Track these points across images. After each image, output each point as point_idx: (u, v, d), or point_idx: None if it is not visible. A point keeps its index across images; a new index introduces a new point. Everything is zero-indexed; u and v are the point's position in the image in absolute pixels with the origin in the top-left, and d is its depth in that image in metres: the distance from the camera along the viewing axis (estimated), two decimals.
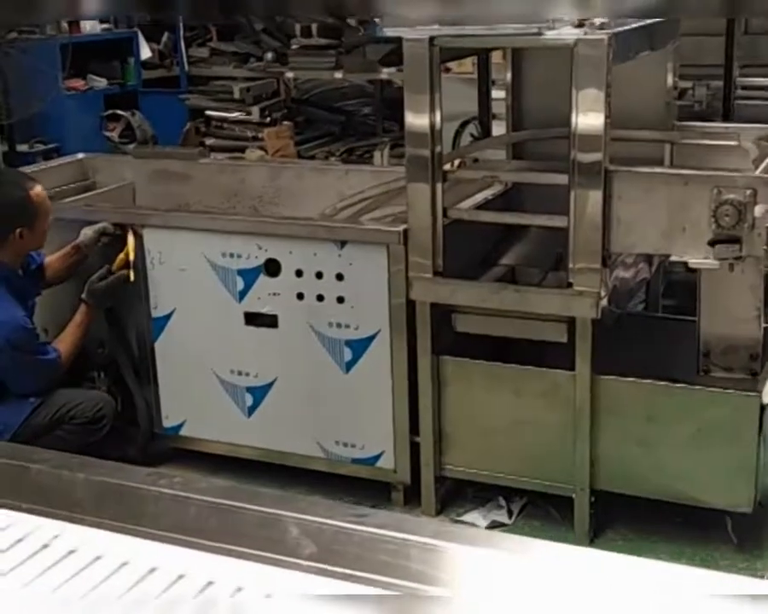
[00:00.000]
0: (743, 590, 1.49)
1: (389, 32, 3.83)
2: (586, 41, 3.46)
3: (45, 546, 1.81)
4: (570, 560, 1.65)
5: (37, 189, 4.10)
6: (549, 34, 3.55)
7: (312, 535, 1.77)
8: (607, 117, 3.47)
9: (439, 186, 3.75)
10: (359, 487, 4.10)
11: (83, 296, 4.24)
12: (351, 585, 1.65)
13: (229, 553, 1.75)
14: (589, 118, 3.49)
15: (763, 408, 3.61)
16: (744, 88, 5.60)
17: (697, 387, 3.70)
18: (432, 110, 3.69)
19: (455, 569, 1.69)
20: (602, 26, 3.54)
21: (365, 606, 1.57)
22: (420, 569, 1.66)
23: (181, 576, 1.71)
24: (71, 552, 1.79)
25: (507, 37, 3.66)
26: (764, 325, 3.82)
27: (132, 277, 4.21)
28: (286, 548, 1.75)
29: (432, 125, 3.71)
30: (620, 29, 3.57)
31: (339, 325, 4.01)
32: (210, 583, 1.69)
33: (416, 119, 3.73)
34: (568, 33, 3.54)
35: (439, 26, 3.69)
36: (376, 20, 4.38)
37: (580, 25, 3.62)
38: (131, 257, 4.20)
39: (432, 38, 3.64)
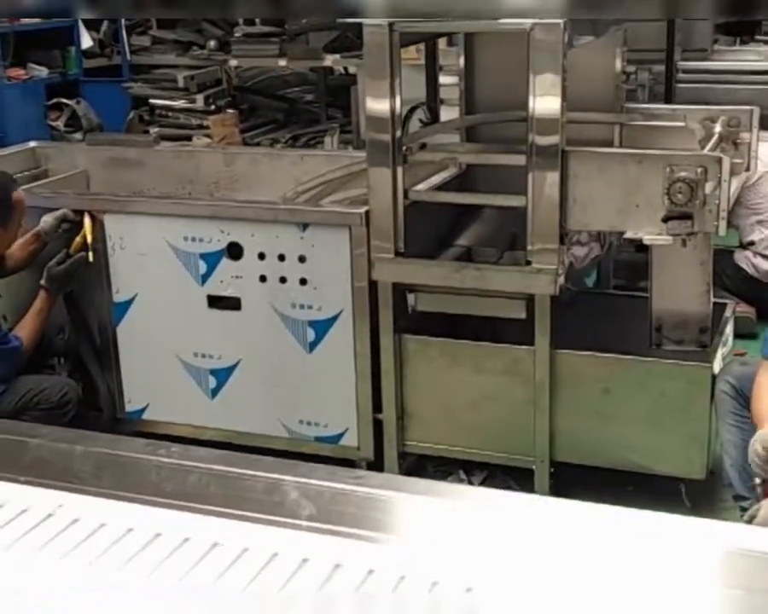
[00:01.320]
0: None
1: (349, 19, 3.90)
2: (542, 26, 3.56)
3: (50, 515, 1.85)
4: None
5: (19, 192, 4.13)
6: (506, 19, 3.64)
7: (311, 497, 1.84)
8: (563, 100, 3.58)
9: (399, 169, 3.83)
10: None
11: (42, 281, 4.24)
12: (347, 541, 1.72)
13: (232, 517, 1.82)
14: (546, 102, 3.59)
15: (713, 378, 3.75)
16: (685, 71, 5.76)
17: (652, 360, 3.84)
18: (392, 95, 3.77)
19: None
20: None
21: None
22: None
23: (186, 540, 1.77)
24: (75, 520, 1.83)
25: (465, 22, 3.75)
26: (712, 299, 3.98)
27: (91, 258, 4.22)
28: (286, 510, 1.82)
29: (392, 110, 3.78)
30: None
31: (302, 306, 4.08)
32: (216, 545, 1.75)
33: (377, 104, 3.80)
34: (524, 18, 3.63)
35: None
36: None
37: None
38: (89, 239, 4.22)
39: (391, 24, 3.71)
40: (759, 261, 5.47)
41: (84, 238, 4.25)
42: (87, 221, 4.23)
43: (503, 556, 1.64)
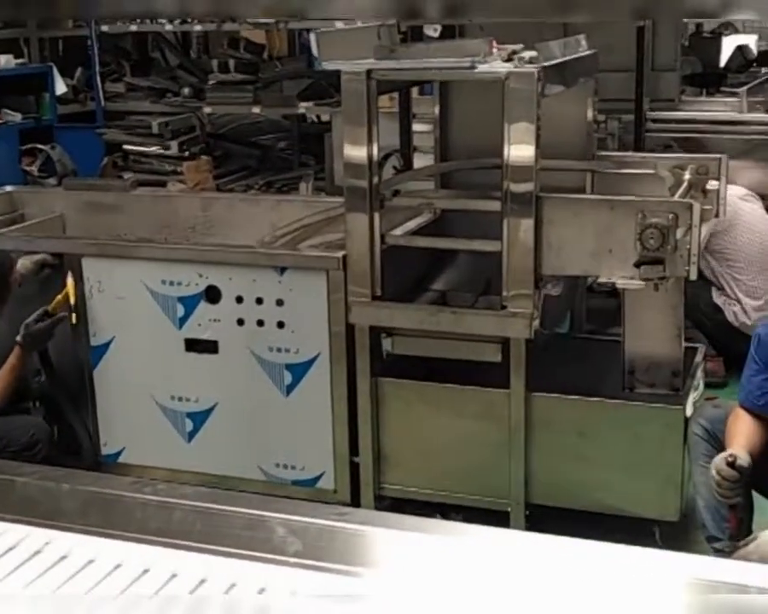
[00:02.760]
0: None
1: (327, 66, 3.96)
2: (517, 74, 3.64)
3: (37, 552, 1.87)
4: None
5: (16, 269, 4.17)
6: (482, 67, 3.72)
7: (297, 533, 1.86)
8: (537, 148, 3.66)
9: (376, 214, 3.89)
10: None
11: (18, 338, 4.19)
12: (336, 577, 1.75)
13: (219, 553, 1.84)
14: (520, 150, 3.66)
15: (686, 421, 3.81)
16: (654, 121, 5.87)
17: (625, 403, 3.89)
18: (369, 141, 3.83)
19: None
20: (530, 61, 3.74)
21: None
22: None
23: (174, 576, 1.79)
24: (63, 557, 1.85)
25: (441, 70, 3.83)
26: (683, 344, 4.05)
27: (74, 320, 4.24)
28: (273, 546, 1.85)
29: (369, 156, 3.84)
30: (548, 63, 3.76)
31: (279, 349, 4.11)
32: (203, 581, 1.78)
33: (354, 151, 3.86)
34: (499, 67, 3.72)
35: (374, 60, 3.85)
36: (314, 54, 4.50)
37: (509, 59, 3.82)
38: (72, 300, 4.22)
39: (369, 72, 3.78)
40: (737, 310, 5.53)
41: (66, 297, 4.25)
42: (70, 281, 4.23)
43: (490, 590, 1.67)
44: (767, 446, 3.52)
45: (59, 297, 4.26)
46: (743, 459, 3.32)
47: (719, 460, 3.36)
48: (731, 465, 3.31)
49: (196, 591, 1.73)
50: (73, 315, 4.25)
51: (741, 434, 3.51)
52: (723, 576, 1.63)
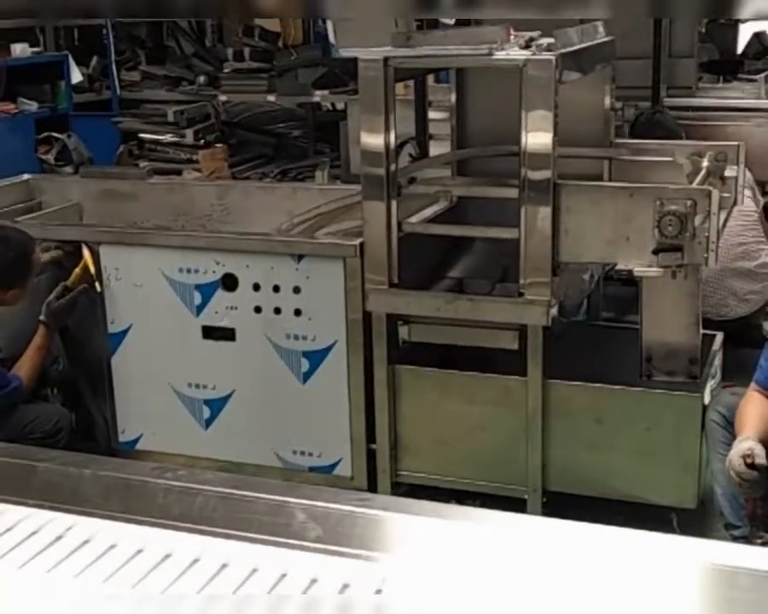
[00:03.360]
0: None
1: (345, 53, 3.96)
2: (535, 61, 3.63)
3: (59, 537, 1.87)
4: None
5: (37, 251, 4.18)
6: (499, 54, 3.71)
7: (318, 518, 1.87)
8: (554, 135, 3.64)
9: (393, 202, 3.88)
10: None
11: (41, 317, 4.24)
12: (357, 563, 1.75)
13: (240, 539, 1.84)
14: (538, 137, 3.64)
15: (704, 409, 3.81)
16: (671, 108, 5.85)
17: (643, 391, 3.88)
18: (386, 129, 3.82)
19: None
20: (548, 48, 3.73)
21: None
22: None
23: (196, 560, 1.80)
24: (85, 542, 1.85)
25: (459, 57, 3.81)
26: (701, 331, 4.03)
27: (99, 288, 4.25)
28: (294, 532, 1.85)
29: (386, 144, 3.83)
30: (566, 50, 3.75)
31: (296, 337, 4.11)
32: (224, 566, 1.78)
33: (371, 139, 3.85)
34: (517, 54, 3.70)
35: (391, 47, 3.84)
36: (331, 41, 4.51)
37: (527, 46, 3.80)
38: (92, 269, 4.24)
39: (386, 59, 3.77)
40: None
41: (85, 270, 4.27)
42: (87, 252, 4.25)
43: (511, 575, 1.67)
44: None
45: (77, 270, 4.28)
46: (761, 456, 3.30)
47: (737, 459, 3.32)
48: (750, 465, 3.29)
49: (217, 576, 1.73)
50: (96, 284, 4.26)
51: (754, 417, 3.49)
52: (742, 561, 1.62)
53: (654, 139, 5.17)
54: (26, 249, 4.14)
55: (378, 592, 1.67)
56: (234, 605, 1.62)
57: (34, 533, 1.88)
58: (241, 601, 1.62)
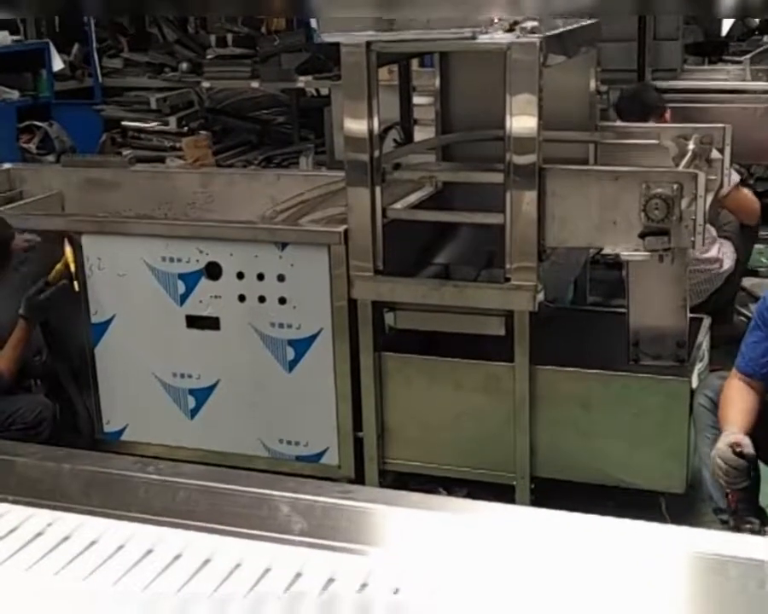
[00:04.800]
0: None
1: (326, 38, 3.91)
2: (519, 44, 3.59)
3: (39, 534, 1.84)
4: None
5: (17, 238, 4.14)
6: (483, 38, 3.68)
7: (302, 511, 1.84)
8: (540, 119, 3.61)
9: (378, 188, 3.85)
10: None
11: (21, 311, 4.18)
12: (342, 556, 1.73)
13: (224, 533, 1.81)
14: (523, 121, 3.61)
15: (692, 392, 3.79)
16: (656, 90, 5.82)
17: (630, 375, 3.87)
18: (370, 115, 3.78)
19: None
20: (533, 31, 3.69)
21: None
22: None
23: (178, 556, 1.77)
24: (65, 538, 1.83)
25: (442, 41, 3.78)
26: (689, 314, 4.02)
27: (77, 287, 4.21)
28: (278, 525, 1.82)
29: (370, 130, 3.80)
30: (550, 33, 3.72)
31: (281, 325, 4.08)
32: (207, 561, 1.75)
33: (355, 124, 3.81)
34: (501, 37, 3.67)
35: (374, 32, 3.80)
36: (313, 26, 4.46)
37: (511, 29, 3.76)
38: (72, 267, 4.20)
39: (369, 44, 3.73)
40: None
41: (66, 266, 4.22)
42: (68, 249, 4.20)
43: (498, 567, 1.65)
44: (761, 413, 3.49)
45: (58, 266, 4.22)
46: (748, 445, 3.29)
47: (724, 447, 3.31)
48: (740, 454, 3.27)
49: (200, 572, 1.71)
50: (75, 282, 4.22)
51: (738, 411, 3.46)
52: (730, 550, 1.61)
53: (635, 113, 5.15)
54: (3, 236, 4.09)
55: (364, 585, 1.65)
56: (215, 604, 1.58)
57: (13, 530, 1.85)
58: (223, 600, 1.59)
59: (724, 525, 3.49)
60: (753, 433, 3.38)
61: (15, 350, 4.17)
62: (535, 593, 1.58)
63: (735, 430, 3.36)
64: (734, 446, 3.28)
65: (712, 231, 5.35)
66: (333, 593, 1.63)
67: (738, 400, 3.49)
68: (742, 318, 5.70)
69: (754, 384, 3.54)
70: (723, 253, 5.38)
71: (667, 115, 5.36)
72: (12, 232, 4.15)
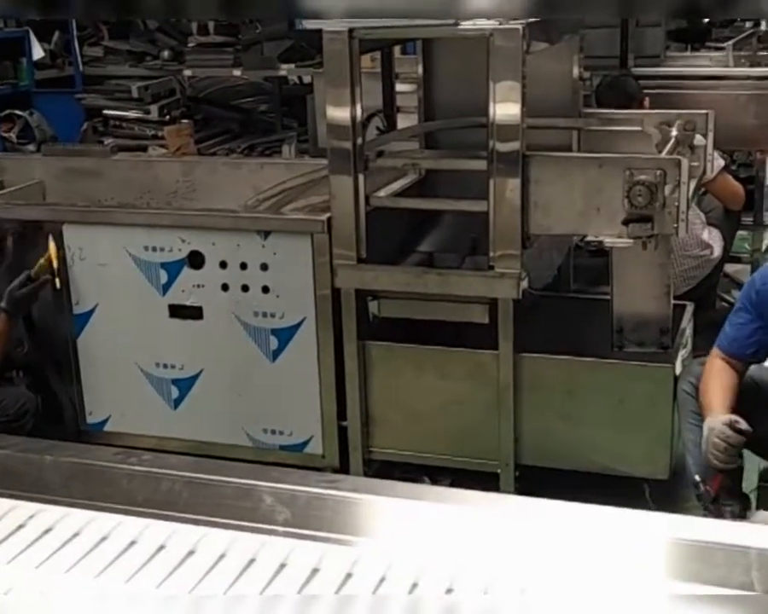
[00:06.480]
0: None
1: (309, 25, 3.90)
2: (502, 31, 3.58)
3: (21, 526, 1.83)
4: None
5: (8, 239, 4.14)
6: (466, 24, 3.67)
7: (286, 502, 1.83)
8: (523, 106, 3.60)
9: (361, 176, 3.83)
10: None
11: (2, 304, 4.16)
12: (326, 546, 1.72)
13: (207, 524, 1.80)
14: (506, 108, 3.60)
15: (675, 379, 3.79)
16: (638, 77, 5.83)
17: (614, 362, 3.87)
18: (353, 102, 3.76)
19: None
20: (515, 17, 3.68)
21: None
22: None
23: (162, 547, 1.76)
24: (47, 530, 1.81)
25: (425, 28, 3.76)
26: (672, 301, 4.02)
27: (58, 284, 4.18)
28: (262, 516, 1.81)
29: (353, 117, 3.78)
30: (533, 20, 3.70)
31: (264, 314, 4.07)
32: (191, 553, 1.74)
33: (337, 112, 3.79)
34: (484, 24, 3.66)
35: (356, 19, 3.78)
36: None
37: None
38: (55, 264, 4.17)
39: (351, 31, 3.71)
40: None
41: (48, 261, 4.19)
42: (52, 245, 4.17)
43: (482, 556, 1.65)
44: (742, 395, 3.50)
45: (41, 261, 4.20)
46: (743, 422, 3.29)
47: (721, 426, 3.30)
48: (738, 431, 3.27)
49: (183, 563, 1.70)
50: (56, 279, 4.19)
51: (721, 393, 3.46)
52: (714, 536, 1.61)
53: (614, 103, 5.15)
54: None
55: (348, 576, 1.64)
56: (192, 602, 1.57)
57: None
58: (198, 600, 1.58)
59: (707, 511, 3.49)
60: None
61: None
62: (520, 580, 1.58)
63: (722, 410, 3.36)
64: (732, 423, 3.28)
65: (702, 216, 5.37)
66: (317, 583, 1.62)
67: (722, 380, 3.50)
68: (725, 304, 5.72)
69: (736, 364, 3.55)
70: (712, 240, 5.39)
71: (646, 103, 5.37)
72: (6, 230, 4.13)
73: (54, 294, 4.25)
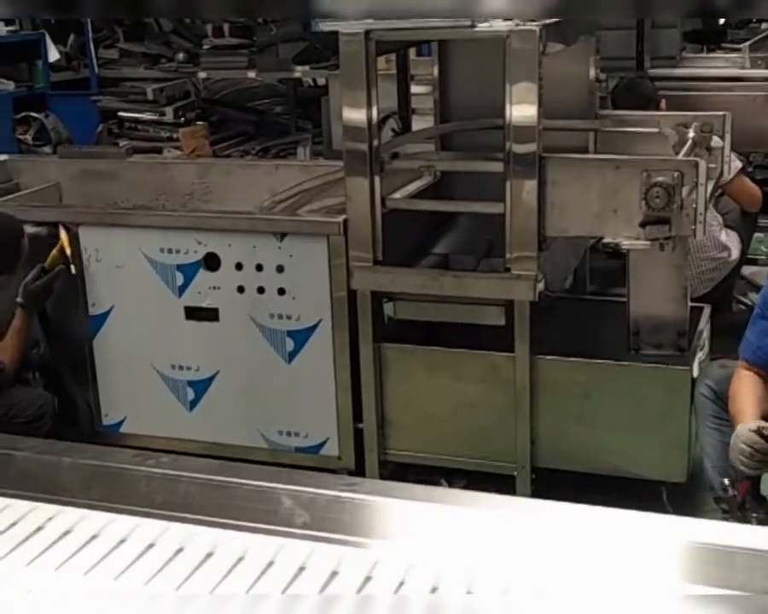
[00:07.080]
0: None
1: (325, 27, 3.89)
2: (518, 33, 3.57)
3: (39, 528, 1.83)
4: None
5: (26, 236, 4.12)
6: (482, 26, 3.66)
7: (305, 505, 1.82)
8: (539, 107, 3.59)
9: (377, 178, 3.83)
10: None
11: (18, 299, 4.17)
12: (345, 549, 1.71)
13: (226, 527, 1.80)
14: (523, 110, 3.59)
15: (693, 382, 3.78)
16: (655, 79, 5.81)
17: (631, 364, 3.86)
18: (369, 104, 3.76)
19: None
20: (531, 19, 3.67)
21: None
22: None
23: (180, 550, 1.75)
24: (66, 533, 1.81)
25: (441, 29, 3.76)
26: (689, 303, 4.00)
27: (74, 270, 4.19)
28: (281, 519, 1.81)
29: (369, 119, 3.78)
30: (549, 21, 3.69)
31: (280, 316, 4.07)
32: (210, 555, 1.74)
33: (353, 114, 3.79)
34: (500, 25, 3.65)
35: (372, 20, 3.77)
36: None
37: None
38: (68, 251, 4.19)
39: (367, 32, 3.71)
40: None
41: (61, 252, 4.21)
42: (63, 234, 4.19)
43: (501, 558, 1.64)
44: None
45: (54, 251, 4.21)
46: None
47: (748, 432, 3.27)
48: (766, 438, 3.23)
49: (202, 566, 1.69)
50: (71, 266, 4.20)
51: (752, 403, 3.43)
52: (732, 540, 1.60)
53: (631, 104, 5.14)
54: (15, 234, 4.08)
55: (368, 578, 1.63)
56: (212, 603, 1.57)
57: (13, 524, 1.83)
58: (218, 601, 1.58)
59: (726, 515, 3.47)
60: None
61: (16, 339, 4.15)
62: (536, 583, 1.57)
63: (754, 417, 3.33)
64: (760, 429, 3.24)
65: (719, 218, 5.35)
66: (337, 586, 1.61)
67: (748, 391, 3.46)
68: (742, 306, 5.70)
69: (763, 373, 3.51)
70: (730, 242, 5.37)
71: (663, 104, 5.35)
72: (23, 231, 4.14)
73: (70, 294, 4.25)
